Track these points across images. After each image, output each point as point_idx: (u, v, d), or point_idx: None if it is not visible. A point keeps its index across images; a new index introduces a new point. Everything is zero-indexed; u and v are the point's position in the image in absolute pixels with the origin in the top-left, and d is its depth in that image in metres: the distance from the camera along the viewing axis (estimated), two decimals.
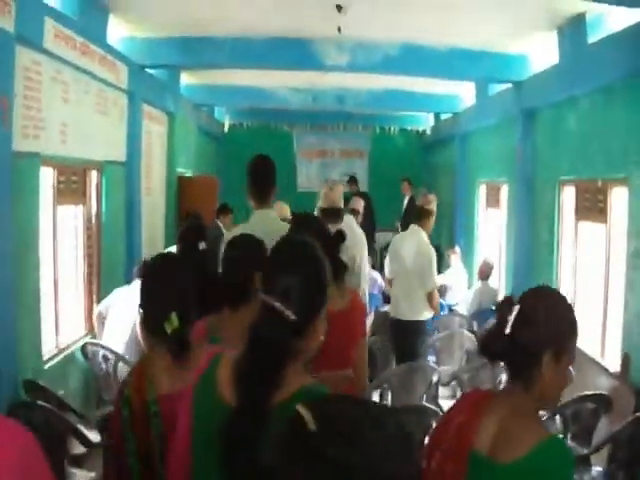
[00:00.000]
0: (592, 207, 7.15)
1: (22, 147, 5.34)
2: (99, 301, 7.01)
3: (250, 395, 1.77)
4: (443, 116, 14.97)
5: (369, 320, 6.53)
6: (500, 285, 10.34)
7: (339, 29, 7.09)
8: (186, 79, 11.73)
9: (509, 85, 9.53)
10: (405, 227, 10.69)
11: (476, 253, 12.27)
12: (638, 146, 6.09)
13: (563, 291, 2.18)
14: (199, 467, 1.90)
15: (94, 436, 4.76)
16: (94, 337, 6.67)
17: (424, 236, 6.56)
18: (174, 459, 2.02)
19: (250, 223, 4.32)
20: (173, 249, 5.80)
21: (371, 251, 9.37)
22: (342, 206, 5.55)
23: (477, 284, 9.84)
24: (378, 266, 12.01)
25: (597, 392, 5.27)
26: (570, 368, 2.09)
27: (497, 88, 10.52)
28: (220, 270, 3.15)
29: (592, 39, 6.85)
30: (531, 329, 2.00)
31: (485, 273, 9.62)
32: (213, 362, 1.95)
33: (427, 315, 6.57)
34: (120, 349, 6.02)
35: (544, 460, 1.89)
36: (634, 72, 5.91)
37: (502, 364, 5.51)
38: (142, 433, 2.44)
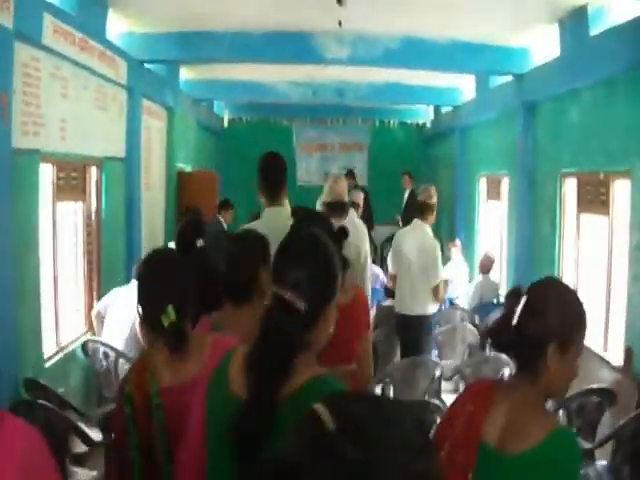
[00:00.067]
0: (594, 200, 7.13)
1: (21, 144, 5.31)
2: (99, 298, 7.01)
3: (261, 385, 1.78)
4: (443, 109, 14.94)
5: (371, 314, 6.52)
6: (501, 278, 10.33)
7: (340, 23, 7.05)
8: (185, 74, 11.69)
9: (510, 78, 9.50)
10: (407, 221, 10.66)
11: (477, 246, 12.26)
12: None
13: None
14: (212, 461, 1.91)
15: (96, 434, 4.75)
16: (94, 334, 6.66)
17: (428, 230, 6.55)
18: (187, 453, 2.04)
19: (262, 221, 4.29)
20: (173, 245, 5.79)
21: (371, 245, 9.38)
22: (347, 200, 5.48)
23: (478, 277, 9.83)
24: (379, 260, 12.01)
25: (601, 386, 5.27)
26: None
27: (498, 81, 10.50)
28: (223, 266, 3.13)
29: (594, 32, 6.82)
30: (538, 320, 1.99)
31: (486, 267, 9.61)
32: (225, 358, 1.97)
33: (433, 309, 6.56)
34: (120, 347, 6.03)
35: (553, 452, 1.89)
36: (636, 65, 5.89)
37: (505, 357, 5.55)
38: (144, 426, 2.44)
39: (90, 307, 7.09)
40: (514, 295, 2.07)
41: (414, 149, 17.30)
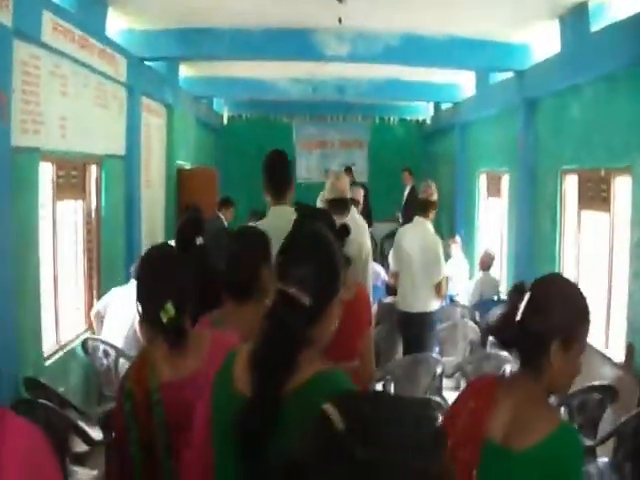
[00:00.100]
0: (595, 196, 7.12)
1: (21, 142, 5.29)
2: (99, 296, 7.00)
3: (265, 382, 1.78)
4: (443, 106, 14.93)
5: (372, 311, 6.51)
6: (501, 275, 10.32)
7: (340, 20, 7.03)
8: (185, 71, 11.68)
9: (510, 74, 9.48)
10: (407, 218, 10.65)
11: (477, 243, 12.25)
12: None
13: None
14: (217, 459, 1.92)
15: (96, 433, 4.75)
16: (94, 334, 6.65)
17: (430, 227, 6.56)
18: (192, 452, 2.04)
19: (268, 219, 4.29)
20: (173, 243, 5.78)
21: (371, 242, 9.36)
22: (349, 196, 5.46)
23: (478, 274, 9.82)
24: (379, 257, 11.99)
25: (603, 383, 5.27)
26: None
27: (498, 77, 10.47)
28: (223, 264, 3.13)
29: (595, 28, 6.80)
30: (541, 317, 1.98)
31: (486, 263, 9.60)
32: (230, 357, 1.98)
33: (435, 306, 6.56)
34: (119, 345, 6.04)
35: (558, 448, 1.90)
36: (637, 60, 5.87)
37: (506, 354, 5.55)
38: (145, 422, 2.45)
39: (90, 305, 7.08)
40: (517, 291, 2.07)
41: (414, 146, 17.30)
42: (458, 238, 11.75)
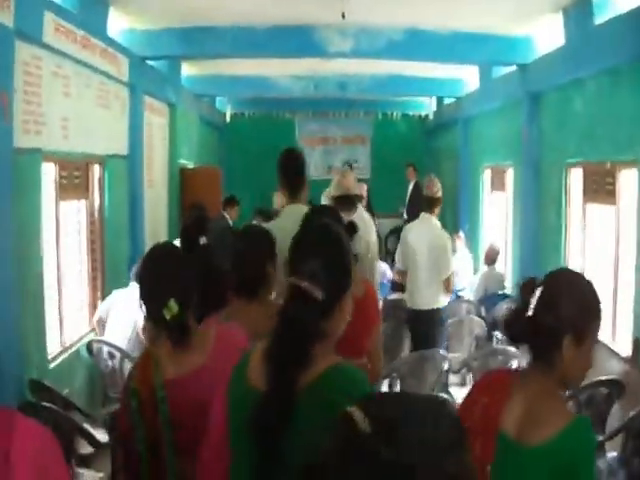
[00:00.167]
0: (600, 189, 7.09)
1: (23, 143, 5.28)
2: (103, 297, 7.00)
3: (279, 376, 1.80)
4: (446, 100, 14.90)
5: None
6: (506, 270, 10.30)
7: (343, 15, 7.01)
8: (187, 70, 11.67)
9: (513, 68, 9.45)
10: (411, 213, 10.62)
11: (481, 238, 12.22)
12: None
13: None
14: (234, 455, 1.94)
15: (101, 435, 4.75)
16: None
17: (437, 223, 6.54)
18: (209, 450, 2.05)
19: (282, 217, 4.30)
20: (177, 242, 5.77)
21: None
22: (355, 193, 5.46)
23: (483, 269, 9.80)
24: (383, 253, 11.97)
25: (610, 377, 5.24)
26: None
27: (501, 71, 10.44)
28: (228, 264, 3.13)
29: (599, 20, 6.77)
30: (553, 312, 1.98)
31: (491, 258, 9.57)
32: (245, 356, 2.01)
33: (444, 302, 6.55)
34: (123, 347, 6.04)
35: (572, 442, 1.90)
36: None
37: (513, 349, 5.53)
38: (150, 420, 2.46)
39: (94, 306, 7.08)
40: (528, 286, 2.06)
41: (417, 141, 17.28)
42: (462, 233, 11.73)
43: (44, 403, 4.56)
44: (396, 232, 13.31)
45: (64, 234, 6.46)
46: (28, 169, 5.48)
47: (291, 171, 4.41)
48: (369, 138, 17.78)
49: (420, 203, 7.25)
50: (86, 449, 4.64)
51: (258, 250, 3.23)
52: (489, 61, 10.11)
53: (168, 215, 10.62)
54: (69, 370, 6.25)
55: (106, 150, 7.60)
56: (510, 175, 10.54)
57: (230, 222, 9.72)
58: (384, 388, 5.60)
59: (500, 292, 9.26)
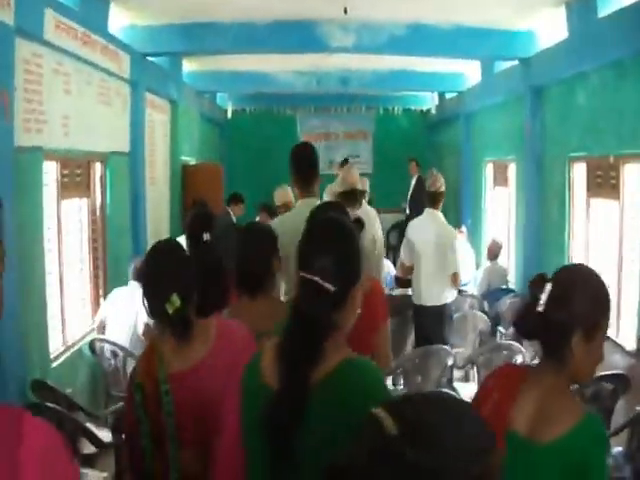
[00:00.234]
0: (604, 183, 7.07)
1: (24, 141, 5.26)
2: (105, 295, 6.98)
3: (292, 372, 1.81)
4: (447, 95, 14.87)
5: None
6: (509, 264, 10.28)
7: (345, 10, 6.98)
8: (188, 66, 11.64)
9: (515, 62, 9.42)
10: (414, 209, 10.59)
11: (484, 232, 12.20)
12: None
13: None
14: (247, 453, 1.94)
15: (104, 435, 4.74)
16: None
17: (442, 217, 6.53)
18: (223, 447, 2.07)
19: (294, 212, 4.31)
20: (180, 239, 5.76)
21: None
22: (360, 188, 5.47)
23: (486, 264, 9.79)
24: (385, 248, 11.95)
25: (615, 372, 5.23)
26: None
27: (503, 66, 10.41)
28: (232, 262, 3.14)
29: (602, 14, 6.74)
30: (564, 307, 1.97)
31: (494, 253, 9.57)
32: (257, 355, 2.02)
33: (450, 298, 6.53)
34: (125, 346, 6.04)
35: (584, 439, 1.90)
36: None
37: (517, 344, 5.51)
38: (154, 414, 2.48)
39: (97, 304, 7.06)
40: (539, 282, 2.05)
41: (419, 136, 17.28)
42: (464, 228, 11.71)
43: (47, 403, 4.55)
44: (398, 227, 13.30)
45: (66, 232, 6.44)
46: (29, 167, 5.46)
47: (304, 163, 4.41)
48: (371, 133, 17.78)
49: (423, 198, 7.23)
50: (89, 449, 4.64)
51: (261, 247, 3.26)
52: (491, 55, 10.09)
53: (170, 212, 10.61)
54: (71, 369, 6.23)
55: (107, 147, 7.58)
56: (512, 169, 10.52)
57: (234, 219, 9.70)
58: (388, 383, 5.59)
59: (503, 287, 9.26)
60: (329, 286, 1.84)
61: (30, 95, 5.43)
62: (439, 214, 6.53)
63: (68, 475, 1.37)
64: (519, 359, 5.83)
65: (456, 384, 6.23)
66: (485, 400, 2.10)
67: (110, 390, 6.13)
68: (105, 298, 6.85)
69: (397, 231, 13.11)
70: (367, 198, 7.42)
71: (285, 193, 7.71)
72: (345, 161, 13.58)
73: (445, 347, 6.07)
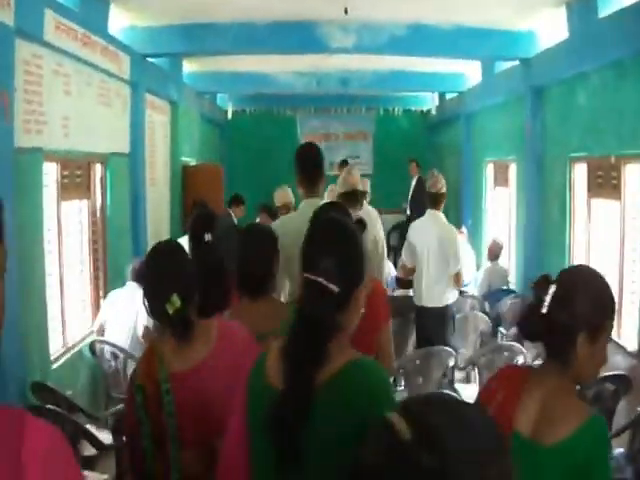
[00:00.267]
0: (605, 184, 7.05)
1: (24, 142, 5.25)
2: (106, 295, 6.96)
3: (296, 373, 1.81)
4: (448, 96, 14.86)
5: None
6: (510, 265, 10.26)
7: (346, 10, 6.98)
8: (188, 67, 11.64)
9: (516, 63, 9.41)
10: (415, 210, 10.57)
11: (484, 233, 12.19)
12: None
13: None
14: (253, 454, 1.95)
15: (105, 436, 4.73)
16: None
17: (444, 219, 6.50)
18: (229, 448, 2.05)
19: (298, 212, 4.31)
20: (182, 240, 5.75)
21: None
22: (361, 189, 5.48)
23: (487, 264, 9.78)
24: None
25: (617, 373, 5.22)
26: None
27: (503, 66, 10.41)
28: (233, 264, 3.14)
29: (603, 14, 6.73)
30: (568, 309, 1.97)
31: (494, 253, 9.55)
32: (262, 356, 2.02)
33: (452, 299, 6.50)
34: (125, 347, 6.03)
35: (588, 440, 1.90)
36: None
37: (519, 345, 5.50)
38: (155, 415, 2.48)
39: (97, 305, 7.05)
40: (543, 283, 2.05)
41: (419, 136, 17.27)
42: (464, 228, 11.70)
43: (47, 405, 4.54)
44: (399, 228, 13.30)
45: (66, 234, 6.43)
46: (29, 169, 5.45)
47: (310, 163, 4.42)
48: (371, 134, 17.76)
49: (423, 198, 7.21)
50: (90, 451, 4.63)
51: (261, 248, 3.25)
52: (492, 56, 10.08)
53: (170, 213, 10.59)
54: (72, 371, 6.22)
55: (108, 149, 7.57)
56: (513, 169, 10.51)
57: (235, 220, 9.70)
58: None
59: (504, 287, 9.25)
60: (333, 287, 1.84)
61: (30, 96, 5.42)
62: (441, 215, 6.51)
63: (71, 476, 1.36)
64: (520, 360, 5.82)
65: (457, 385, 6.22)
66: (489, 402, 2.09)
67: (110, 392, 6.12)
68: (105, 299, 6.84)
69: (398, 232, 13.11)
70: (368, 199, 7.43)
71: (285, 194, 7.70)
72: (344, 162, 13.60)
73: (446, 348, 6.05)
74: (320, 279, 1.85)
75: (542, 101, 8.93)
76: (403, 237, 6.98)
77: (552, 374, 2.03)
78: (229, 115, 15.79)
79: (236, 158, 16.19)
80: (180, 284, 2.50)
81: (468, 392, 5.85)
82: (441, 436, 1.09)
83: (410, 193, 13.68)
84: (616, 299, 6.06)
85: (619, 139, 6.61)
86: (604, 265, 7.02)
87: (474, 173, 12.92)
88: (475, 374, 6.33)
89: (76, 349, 6.39)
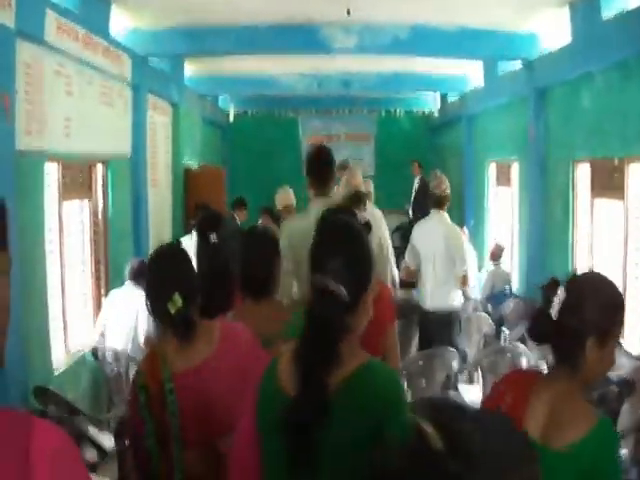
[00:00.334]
0: (608, 184, 7.03)
1: (26, 144, 5.24)
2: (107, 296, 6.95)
3: (309, 377, 1.82)
4: (450, 97, 14.87)
5: None
6: (512, 266, 10.25)
7: (348, 11, 6.97)
8: (190, 69, 11.61)
9: (518, 64, 9.40)
10: (418, 211, 10.53)
11: (486, 234, 12.17)
12: None
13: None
14: (265, 458, 1.95)
15: (107, 440, 4.72)
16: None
17: (449, 219, 6.47)
18: (239, 450, 2.06)
19: (308, 212, 4.31)
20: (185, 239, 5.73)
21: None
22: (364, 190, 5.49)
23: (489, 266, 9.77)
24: None
25: (621, 375, 5.20)
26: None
27: (505, 67, 10.39)
28: (237, 267, 3.15)
29: (606, 15, 6.71)
30: (577, 314, 1.97)
31: (496, 255, 9.55)
32: (273, 362, 2.02)
33: (458, 301, 6.40)
34: (127, 348, 6.02)
35: (598, 444, 1.89)
36: None
37: (522, 347, 5.47)
38: (159, 415, 2.49)
39: (98, 307, 7.03)
40: (552, 287, 2.05)
41: (421, 138, 17.26)
42: (466, 229, 11.66)
43: (49, 409, 4.53)
44: (401, 229, 13.27)
45: (67, 235, 6.43)
46: (31, 170, 5.45)
47: (321, 162, 4.47)
48: (373, 135, 17.76)
49: (426, 199, 7.18)
50: (92, 454, 4.62)
51: (263, 251, 3.26)
52: (494, 57, 10.10)
53: (172, 215, 10.57)
54: (74, 374, 6.21)
55: (109, 150, 7.57)
56: (515, 170, 10.48)
57: (238, 222, 9.69)
58: None
59: (507, 289, 9.24)
60: (342, 290, 1.84)
61: (31, 97, 5.41)
62: (446, 215, 6.46)
63: (79, 475, 1.38)
64: (524, 361, 5.79)
65: (460, 386, 6.19)
66: (497, 405, 2.09)
67: (112, 395, 6.11)
68: (106, 298, 6.82)
69: (400, 233, 13.09)
70: (371, 198, 7.42)
71: (286, 196, 7.69)
72: (343, 164, 13.57)
73: (450, 349, 6.00)
74: (328, 282, 1.85)
75: (545, 102, 8.91)
76: (405, 238, 6.95)
77: (561, 378, 2.02)
78: (231, 117, 15.80)
79: (238, 160, 16.19)
80: (182, 284, 2.51)
81: (471, 393, 5.83)
82: (469, 444, 1.09)
83: (412, 194, 13.67)
84: None
85: (623, 141, 6.58)
86: (607, 266, 7.01)
87: (476, 174, 12.91)
88: (478, 375, 6.30)
89: (78, 353, 6.38)
